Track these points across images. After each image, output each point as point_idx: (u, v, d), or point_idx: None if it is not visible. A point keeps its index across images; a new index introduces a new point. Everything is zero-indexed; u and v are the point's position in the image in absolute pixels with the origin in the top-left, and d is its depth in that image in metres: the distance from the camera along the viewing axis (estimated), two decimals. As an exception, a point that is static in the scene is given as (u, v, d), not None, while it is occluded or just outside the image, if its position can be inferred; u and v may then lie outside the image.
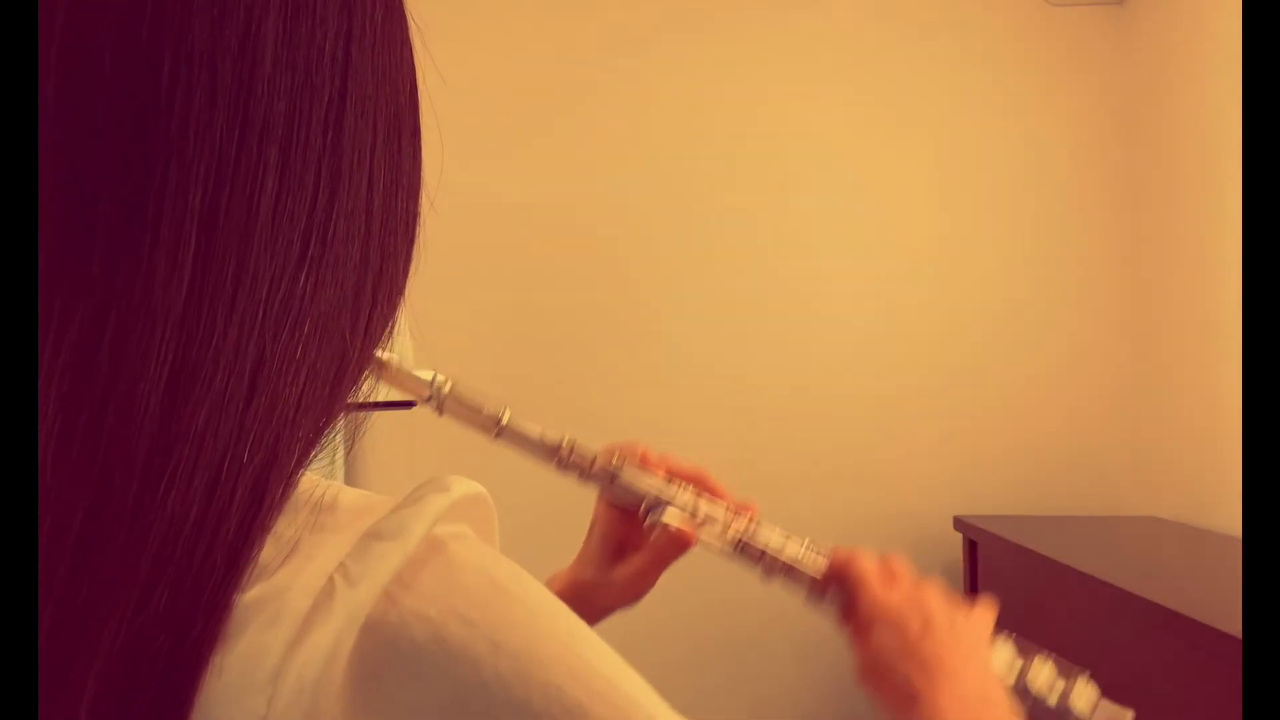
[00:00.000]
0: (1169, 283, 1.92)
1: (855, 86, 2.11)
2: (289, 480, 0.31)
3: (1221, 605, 1.10)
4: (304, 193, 0.31)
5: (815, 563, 0.60)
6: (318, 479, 0.33)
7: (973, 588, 1.83)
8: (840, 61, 2.12)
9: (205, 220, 0.29)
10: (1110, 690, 0.59)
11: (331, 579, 0.28)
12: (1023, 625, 1.60)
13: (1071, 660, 1.38)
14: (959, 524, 1.86)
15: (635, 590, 0.62)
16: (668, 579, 0.60)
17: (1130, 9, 2.07)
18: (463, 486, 0.33)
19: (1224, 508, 1.69)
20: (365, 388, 0.35)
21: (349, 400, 0.34)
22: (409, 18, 0.37)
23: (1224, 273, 1.71)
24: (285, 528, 0.30)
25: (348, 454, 0.35)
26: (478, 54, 2.08)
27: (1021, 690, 0.55)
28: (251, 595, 0.28)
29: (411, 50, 0.36)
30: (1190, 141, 1.83)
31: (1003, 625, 0.60)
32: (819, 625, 2.02)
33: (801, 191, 2.10)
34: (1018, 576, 1.62)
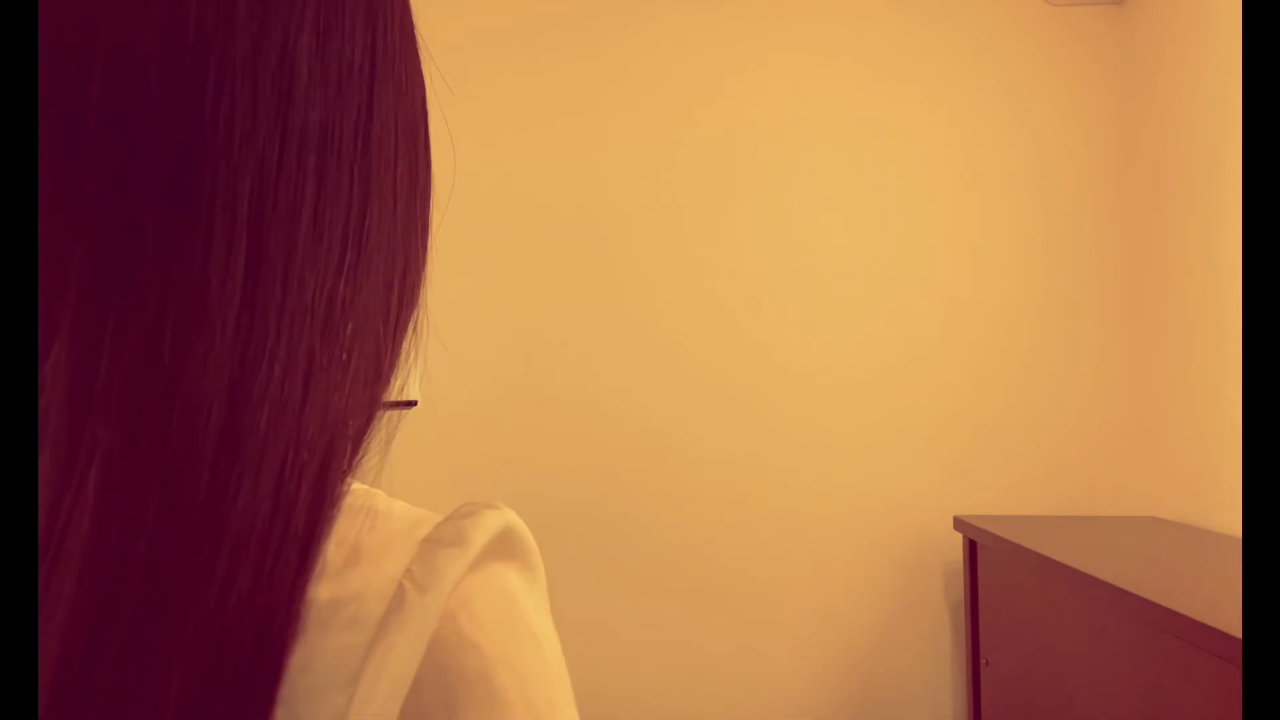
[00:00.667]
0: (1169, 282, 1.92)
1: (853, 87, 2.11)
2: (345, 478, 0.32)
3: (1221, 605, 1.10)
4: (340, 199, 0.32)
5: None
6: (364, 487, 0.35)
7: (973, 588, 1.83)
8: (836, 63, 2.12)
9: (253, 228, 0.30)
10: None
11: (401, 585, 0.31)
12: (1023, 625, 1.60)
13: (1070, 661, 1.39)
14: (959, 524, 1.86)
15: None
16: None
17: (1130, 9, 2.07)
18: (511, 513, 0.35)
19: (1224, 508, 1.69)
20: (395, 388, 0.37)
21: (385, 400, 0.36)
22: (418, 36, 0.38)
23: (1224, 272, 1.71)
24: (346, 530, 0.32)
25: (384, 454, 0.36)
26: (476, 56, 2.09)
27: None
28: (326, 596, 0.30)
29: (420, 66, 0.38)
30: (1190, 141, 1.84)
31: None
32: (820, 630, 2.02)
33: (802, 194, 2.10)
34: (1018, 576, 1.62)
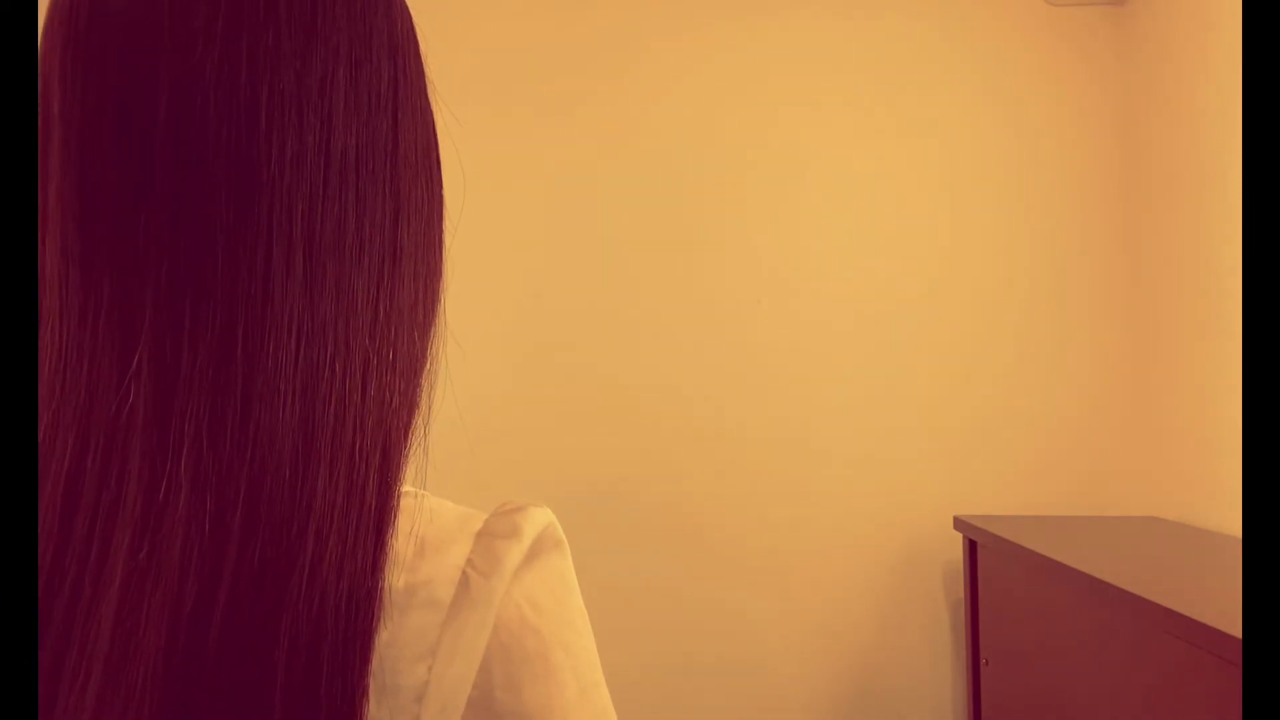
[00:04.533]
0: (1168, 282, 1.92)
1: (852, 88, 2.11)
2: (403, 465, 0.36)
3: (1221, 605, 1.10)
4: (376, 215, 0.36)
5: None
6: (413, 488, 0.38)
7: (973, 588, 1.83)
8: (838, 62, 2.12)
9: (307, 243, 0.34)
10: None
11: (465, 572, 0.35)
12: (1023, 625, 1.60)
13: (1070, 661, 1.39)
14: (959, 524, 1.86)
15: None
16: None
17: (1130, 9, 2.07)
18: (548, 509, 0.40)
19: (1224, 508, 1.69)
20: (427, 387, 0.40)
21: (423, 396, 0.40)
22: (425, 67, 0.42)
23: (1224, 273, 1.71)
24: (409, 525, 0.36)
25: (424, 452, 0.40)
26: (480, 56, 2.09)
27: None
28: (402, 583, 0.35)
29: (429, 93, 0.42)
30: (1190, 141, 1.83)
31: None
32: (819, 629, 2.02)
33: (801, 194, 2.10)
34: (1018, 576, 1.62)
